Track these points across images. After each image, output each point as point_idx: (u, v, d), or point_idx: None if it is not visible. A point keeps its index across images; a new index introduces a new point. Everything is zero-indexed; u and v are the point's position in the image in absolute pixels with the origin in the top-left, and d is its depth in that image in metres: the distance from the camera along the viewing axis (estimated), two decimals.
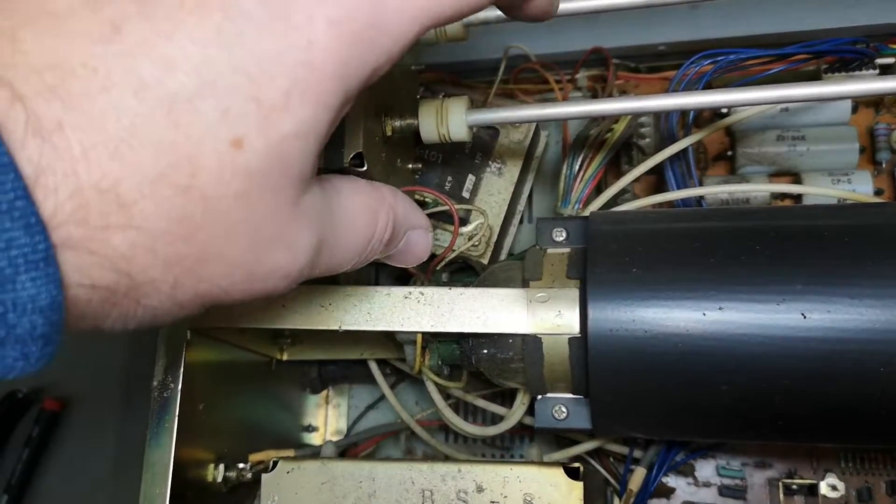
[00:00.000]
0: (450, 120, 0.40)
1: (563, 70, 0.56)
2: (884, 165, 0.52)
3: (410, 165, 0.46)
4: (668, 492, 0.49)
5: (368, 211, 0.30)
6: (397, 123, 0.40)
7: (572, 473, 0.36)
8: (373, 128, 0.39)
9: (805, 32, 0.51)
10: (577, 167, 0.50)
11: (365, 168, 0.36)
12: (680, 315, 0.34)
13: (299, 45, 0.22)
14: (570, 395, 0.39)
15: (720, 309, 0.34)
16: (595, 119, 0.51)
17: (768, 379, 0.33)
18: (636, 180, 0.53)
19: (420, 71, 0.48)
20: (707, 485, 0.49)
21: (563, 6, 0.42)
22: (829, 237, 0.34)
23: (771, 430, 0.35)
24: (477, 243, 0.48)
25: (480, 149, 0.51)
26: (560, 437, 0.49)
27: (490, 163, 0.51)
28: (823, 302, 0.32)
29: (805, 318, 0.32)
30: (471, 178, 0.50)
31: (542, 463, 0.36)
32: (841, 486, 0.43)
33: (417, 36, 0.26)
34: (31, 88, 0.19)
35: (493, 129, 0.51)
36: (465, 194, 0.50)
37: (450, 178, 0.50)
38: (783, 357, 0.33)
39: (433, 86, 0.54)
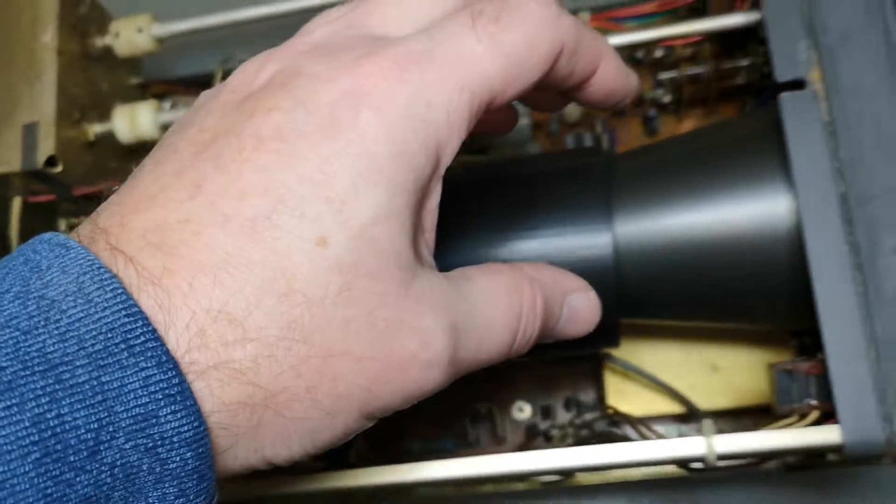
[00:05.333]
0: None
1: None
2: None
3: None
4: None
5: (507, 287, 0.29)
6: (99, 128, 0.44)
7: None
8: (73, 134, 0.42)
9: None
10: None
11: (60, 169, 0.39)
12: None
13: (351, 139, 0.24)
14: None
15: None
16: None
17: None
18: None
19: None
20: None
21: None
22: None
23: None
24: None
25: None
26: None
27: None
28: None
29: None
30: None
31: None
32: (528, 408, 0.46)
33: (472, 103, 0.26)
34: (136, 249, 0.23)
35: None
36: None
37: None
38: None
39: None
